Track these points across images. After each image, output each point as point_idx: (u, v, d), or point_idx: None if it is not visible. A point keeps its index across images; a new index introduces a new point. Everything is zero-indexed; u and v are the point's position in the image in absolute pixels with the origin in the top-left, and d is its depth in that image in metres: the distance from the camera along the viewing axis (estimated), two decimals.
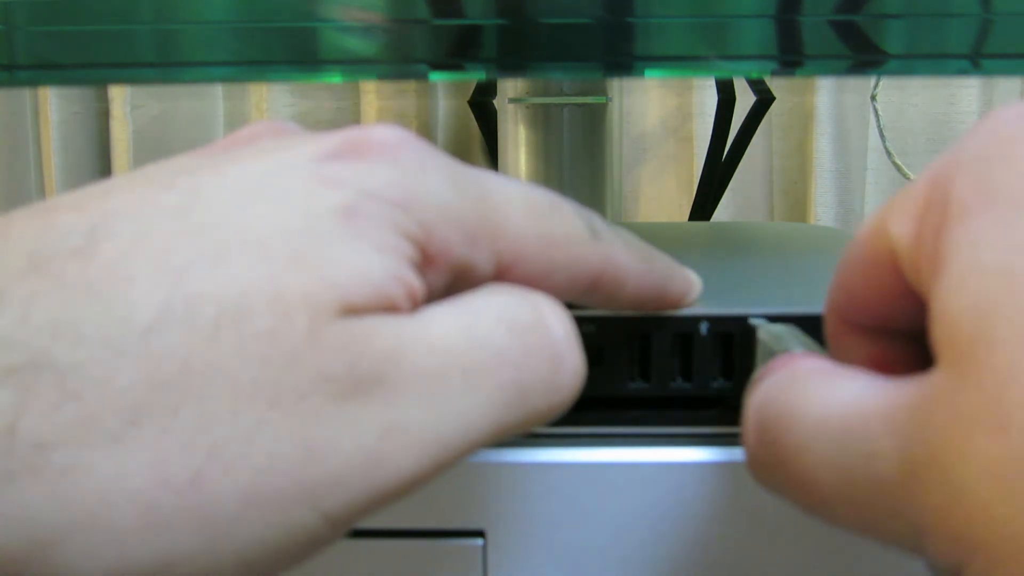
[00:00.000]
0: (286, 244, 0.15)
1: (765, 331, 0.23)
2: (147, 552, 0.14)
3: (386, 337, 0.15)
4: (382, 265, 0.16)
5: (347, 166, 0.16)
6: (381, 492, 0.15)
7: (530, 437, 0.24)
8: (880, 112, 0.63)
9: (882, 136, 0.62)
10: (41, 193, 0.86)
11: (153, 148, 0.82)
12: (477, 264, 0.17)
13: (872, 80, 0.66)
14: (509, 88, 0.57)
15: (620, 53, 0.26)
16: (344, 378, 0.15)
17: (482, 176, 0.18)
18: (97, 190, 0.16)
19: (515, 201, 0.18)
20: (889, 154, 0.62)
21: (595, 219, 0.19)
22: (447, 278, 0.17)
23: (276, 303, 0.15)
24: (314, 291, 0.15)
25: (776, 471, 0.17)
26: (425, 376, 0.15)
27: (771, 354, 0.22)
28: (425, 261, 0.17)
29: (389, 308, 0.16)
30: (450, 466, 0.16)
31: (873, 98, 0.63)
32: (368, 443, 0.15)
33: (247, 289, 0.15)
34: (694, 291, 0.22)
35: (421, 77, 0.26)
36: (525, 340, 0.17)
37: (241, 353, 0.14)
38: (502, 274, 0.18)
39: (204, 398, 0.14)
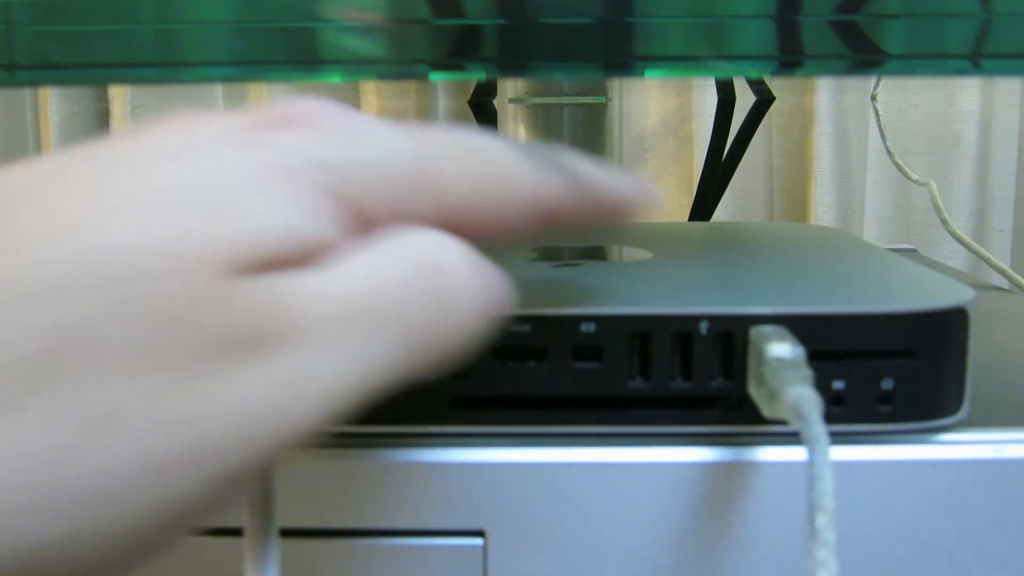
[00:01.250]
0: (190, 201, 0.15)
1: (755, 331, 0.23)
2: (35, 525, 0.13)
3: (283, 292, 0.15)
4: (292, 220, 0.15)
5: (272, 133, 0.17)
6: (279, 444, 0.15)
7: (530, 437, 0.24)
8: (880, 112, 0.63)
9: (883, 136, 0.62)
10: None
11: None
12: (415, 222, 0.17)
13: (872, 80, 0.66)
14: (509, 88, 0.57)
15: (620, 53, 0.26)
16: (238, 336, 0.15)
17: (416, 134, 0.18)
18: (19, 163, 0.16)
19: (450, 155, 0.18)
20: (890, 154, 0.62)
21: (536, 151, 0.19)
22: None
23: (168, 263, 0.14)
24: (208, 248, 0.15)
25: None
26: (324, 326, 0.15)
27: (760, 354, 0.22)
28: (355, 221, 0.17)
29: (294, 262, 0.15)
30: (356, 407, 0.16)
31: (873, 98, 0.63)
32: (264, 399, 0.15)
33: (140, 250, 0.14)
34: (642, 195, 0.21)
35: (421, 77, 0.26)
36: (428, 282, 0.17)
37: (131, 315, 0.14)
38: (447, 226, 0.18)
39: (93, 365, 0.14)
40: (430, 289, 0.17)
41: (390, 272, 0.16)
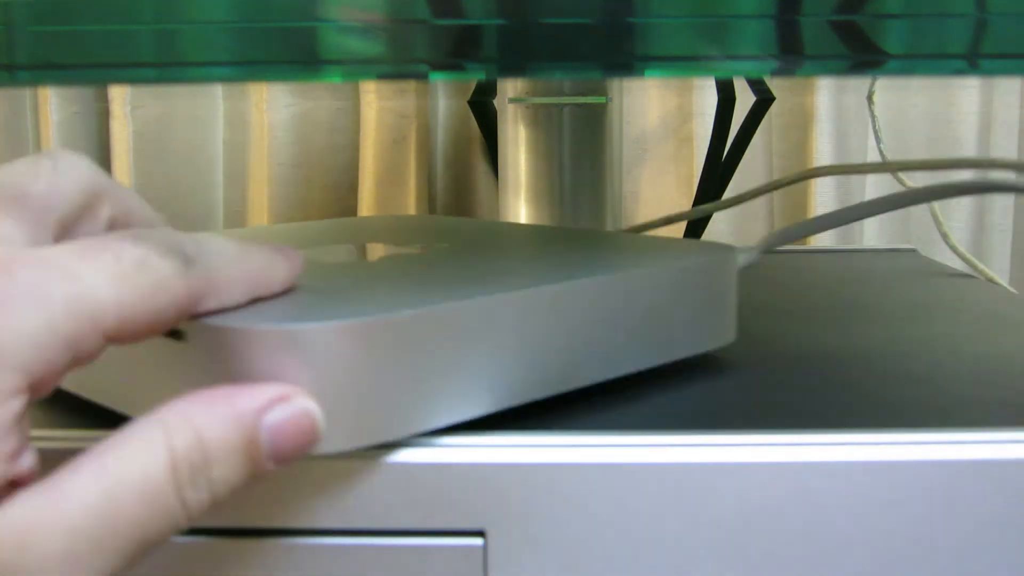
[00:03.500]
0: None
1: None
2: None
3: (15, 525, 0.18)
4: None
5: None
6: None
7: (530, 438, 0.24)
8: (876, 114, 0.64)
9: (877, 138, 0.62)
10: None
11: (153, 148, 0.82)
12: (86, 352, 0.19)
13: (868, 80, 0.66)
14: (509, 88, 0.57)
15: (620, 53, 0.26)
16: None
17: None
18: None
19: (102, 271, 0.20)
20: (883, 156, 0.62)
21: (186, 244, 0.21)
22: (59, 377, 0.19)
23: None
24: None
25: None
26: (57, 558, 0.18)
27: None
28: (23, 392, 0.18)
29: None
30: None
31: (869, 99, 0.63)
32: None
33: None
34: (297, 266, 0.25)
35: (421, 77, 0.26)
36: (158, 503, 0.19)
37: None
38: (112, 340, 0.20)
39: None
40: (159, 511, 0.19)
41: (121, 501, 0.19)
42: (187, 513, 0.20)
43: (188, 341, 0.23)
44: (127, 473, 0.19)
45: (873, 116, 0.63)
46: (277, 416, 0.21)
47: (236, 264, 0.23)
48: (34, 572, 0.18)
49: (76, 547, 0.18)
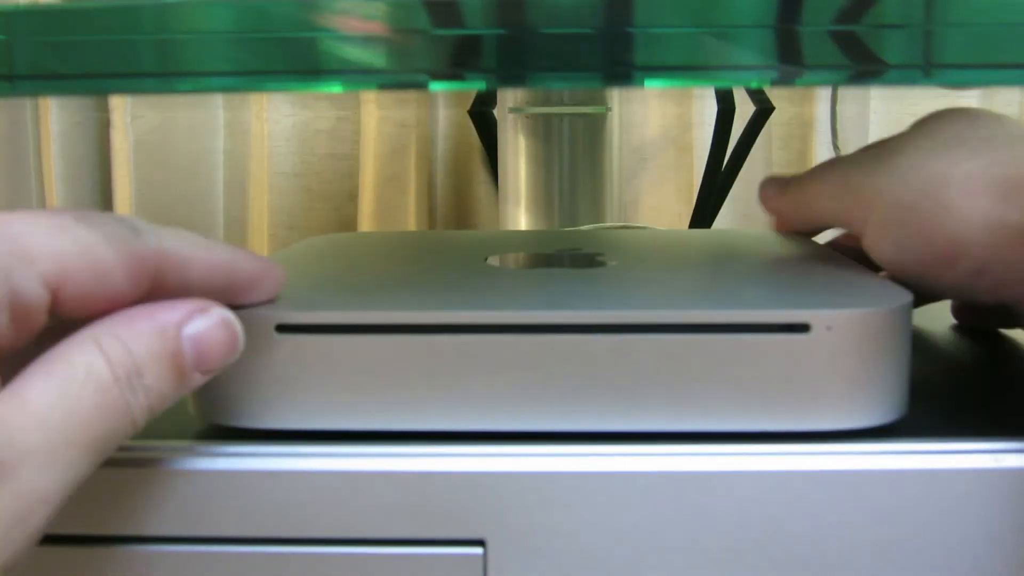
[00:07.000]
0: None
1: None
2: None
3: None
4: None
5: None
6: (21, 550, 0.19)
7: (531, 447, 0.24)
8: (838, 123, 0.65)
9: (836, 148, 0.63)
10: (42, 203, 0.86)
11: (153, 158, 0.82)
12: (23, 291, 0.19)
13: (850, 90, 0.67)
14: (509, 98, 0.57)
15: (620, 63, 0.26)
16: None
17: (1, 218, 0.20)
18: None
19: (39, 225, 0.20)
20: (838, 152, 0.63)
21: (136, 221, 0.22)
22: (3, 315, 0.19)
23: None
24: None
25: None
26: (38, 451, 0.19)
27: None
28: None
29: None
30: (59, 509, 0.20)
31: (833, 106, 0.64)
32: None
33: None
34: (273, 276, 0.25)
35: (421, 87, 0.26)
36: (107, 398, 0.20)
37: None
38: (57, 293, 0.20)
39: None
40: (113, 403, 0.20)
41: (78, 395, 0.20)
42: (132, 417, 0.21)
43: (811, 333, 0.24)
44: (75, 375, 0.20)
45: (834, 127, 0.64)
46: (197, 326, 0.22)
47: (195, 248, 0.23)
48: (19, 466, 0.19)
49: (50, 440, 0.19)
